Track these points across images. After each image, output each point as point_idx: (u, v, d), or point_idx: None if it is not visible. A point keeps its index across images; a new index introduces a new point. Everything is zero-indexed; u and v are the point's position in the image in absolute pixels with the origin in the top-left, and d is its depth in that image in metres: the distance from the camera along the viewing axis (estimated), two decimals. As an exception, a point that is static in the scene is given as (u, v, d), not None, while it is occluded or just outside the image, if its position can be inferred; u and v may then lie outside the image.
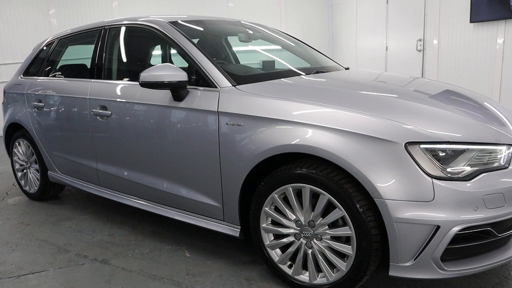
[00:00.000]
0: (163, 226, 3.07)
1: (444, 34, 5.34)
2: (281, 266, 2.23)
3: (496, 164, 1.90)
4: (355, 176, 1.88)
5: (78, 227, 3.15)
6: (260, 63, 3.10)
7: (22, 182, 3.84)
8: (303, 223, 2.10)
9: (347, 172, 1.94)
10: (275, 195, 2.14)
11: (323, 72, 2.83)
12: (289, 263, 2.23)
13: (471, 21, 4.92)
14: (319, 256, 2.09)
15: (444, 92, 2.49)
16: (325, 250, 2.06)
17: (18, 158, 3.83)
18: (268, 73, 2.63)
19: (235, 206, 2.32)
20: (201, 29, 2.90)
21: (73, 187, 3.40)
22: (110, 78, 2.97)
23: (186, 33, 2.63)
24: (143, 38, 3.03)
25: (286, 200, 2.15)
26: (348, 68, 3.18)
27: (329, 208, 2.02)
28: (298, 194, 2.10)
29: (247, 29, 3.21)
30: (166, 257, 2.62)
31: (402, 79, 2.79)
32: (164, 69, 2.35)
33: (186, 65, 2.56)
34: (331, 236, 2.04)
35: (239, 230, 2.36)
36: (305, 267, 2.18)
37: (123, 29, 2.97)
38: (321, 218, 2.05)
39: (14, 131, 3.81)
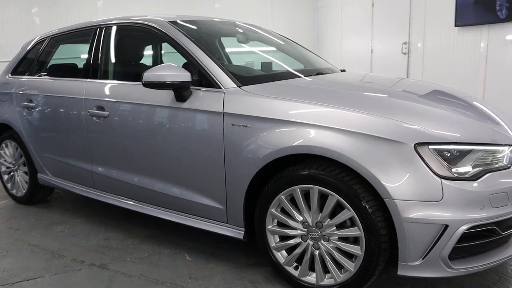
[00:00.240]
0: (159, 229, 3.02)
1: (429, 37, 5.46)
2: (287, 267, 2.23)
3: (499, 164, 1.95)
4: (365, 176, 1.89)
5: (71, 231, 3.07)
6: (246, 64, 3.09)
7: (9, 185, 3.71)
8: (311, 224, 2.10)
9: (355, 173, 1.95)
10: (282, 196, 2.14)
11: (323, 74, 2.85)
12: (295, 264, 2.23)
13: (455, 25, 5.05)
14: (327, 257, 2.09)
15: (436, 92, 2.54)
16: (333, 251, 2.07)
17: (5, 160, 3.69)
18: (272, 74, 2.62)
19: (240, 208, 2.30)
20: (200, 29, 2.87)
21: (64, 190, 3.31)
22: (108, 78, 2.90)
23: (187, 33, 2.60)
24: (142, 37, 2.98)
25: (292, 201, 2.15)
26: (344, 70, 3.21)
27: (336, 209, 2.03)
28: (305, 195, 2.11)
29: (244, 30, 3.20)
30: (166, 261, 2.58)
31: (394, 80, 2.84)
32: (167, 69, 2.31)
33: (182, 64, 2.53)
34: (338, 237, 2.05)
35: (243, 232, 2.34)
36: (311, 268, 2.18)
37: (120, 28, 2.92)
38: (328, 219, 2.06)
39: (1, 132, 3.68)
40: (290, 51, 3.25)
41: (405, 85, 2.75)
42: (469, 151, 1.89)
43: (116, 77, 2.91)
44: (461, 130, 1.96)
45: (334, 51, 7.08)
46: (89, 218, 3.31)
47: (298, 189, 2.08)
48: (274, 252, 2.25)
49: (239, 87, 2.31)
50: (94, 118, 2.82)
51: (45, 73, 3.41)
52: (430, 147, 1.86)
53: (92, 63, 2.95)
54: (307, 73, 2.76)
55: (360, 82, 2.77)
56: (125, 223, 3.16)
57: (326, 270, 2.13)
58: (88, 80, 2.93)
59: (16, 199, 3.69)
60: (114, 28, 2.94)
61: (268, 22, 6.91)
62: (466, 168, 1.87)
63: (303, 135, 2.02)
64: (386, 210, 1.91)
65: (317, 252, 2.12)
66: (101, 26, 2.99)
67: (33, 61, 3.50)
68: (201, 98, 2.36)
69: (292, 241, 2.18)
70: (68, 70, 3.31)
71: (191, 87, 2.39)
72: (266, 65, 3.08)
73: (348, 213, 1.97)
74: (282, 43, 3.32)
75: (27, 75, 3.49)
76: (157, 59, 3.34)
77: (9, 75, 3.65)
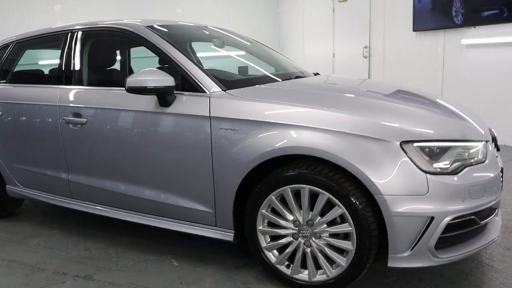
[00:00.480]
0: (141, 237, 2.97)
1: (388, 41, 5.71)
2: (279, 267, 2.27)
3: (475, 159, 2.09)
4: (355, 174, 1.97)
5: (48, 244, 2.95)
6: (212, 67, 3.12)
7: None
8: (302, 223, 2.16)
9: (343, 171, 2.03)
10: (273, 197, 2.18)
11: (301, 77, 2.92)
12: (286, 263, 2.27)
13: (413, 30, 5.32)
14: (319, 253, 2.15)
15: (401, 91, 2.67)
16: (325, 247, 2.13)
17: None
18: (254, 78, 2.67)
19: (229, 211, 2.32)
20: (177, 33, 2.86)
21: (37, 201, 3.19)
22: (83, 84, 2.83)
23: (165, 37, 2.59)
24: (118, 42, 2.93)
25: (282, 201, 2.20)
26: (318, 74, 3.30)
27: (325, 207, 2.10)
28: (295, 195, 2.16)
29: (220, 35, 3.23)
30: (153, 268, 2.55)
31: (375, 82, 2.97)
32: (151, 74, 2.30)
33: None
34: (329, 234, 2.12)
35: (232, 234, 2.36)
36: (303, 266, 2.23)
37: (95, 33, 2.86)
38: (319, 217, 2.12)
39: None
40: (265, 56, 3.31)
41: (377, 86, 2.88)
42: (449, 148, 2.02)
43: (92, 83, 2.85)
44: (439, 128, 2.09)
45: (296, 55, 7.23)
46: (65, 229, 3.19)
47: (289, 189, 2.13)
48: (266, 252, 2.28)
49: (224, 91, 2.34)
50: (70, 125, 2.74)
51: (11, 80, 3.27)
52: (415, 144, 1.97)
53: (65, 69, 2.86)
54: (287, 76, 2.82)
55: (338, 84, 2.87)
56: (104, 232, 3.08)
57: (317, 267, 2.20)
58: (61, 86, 2.84)
59: (-20, 214, 3.50)
60: (88, 33, 2.87)
61: (229, 27, 6.94)
62: (447, 164, 2.00)
63: (293, 136, 2.07)
64: (374, 205, 2.01)
65: (308, 250, 2.17)
66: (73, 30, 2.92)
67: (-3, 67, 3.35)
68: (186, 103, 2.36)
69: (283, 240, 2.22)
70: (36, 77, 3.20)
71: (175, 92, 2.39)
72: (243, 69, 3.12)
73: (339, 210, 2.04)
74: (256, 48, 3.37)
75: (-9, 83, 3.33)
76: (126, 64, 3.27)
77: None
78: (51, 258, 2.74)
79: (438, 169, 1.97)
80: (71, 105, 2.73)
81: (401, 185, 1.94)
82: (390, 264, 2.02)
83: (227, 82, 2.43)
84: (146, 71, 2.32)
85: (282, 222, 2.20)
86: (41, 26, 5.75)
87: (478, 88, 4.82)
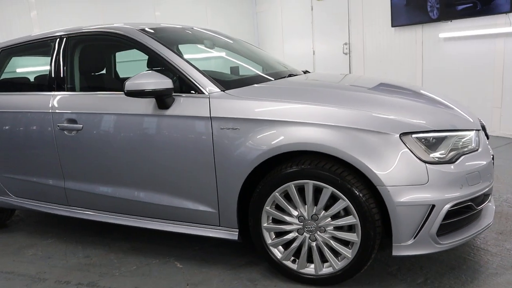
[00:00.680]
0: (141, 241, 2.96)
1: (368, 37, 5.83)
2: (285, 262, 2.30)
3: (469, 147, 2.18)
4: (359, 167, 2.03)
5: (45, 254, 2.90)
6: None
7: (-40, 213, 3.41)
8: (306, 218, 2.20)
9: (345, 165, 2.09)
10: (277, 194, 2.22)
11: (294, 75, 2.97)
12: (292, 258, 2.31)
13: (392, 26, 5.45)
14: (324, 247, 2.20)
15: (388, 85, 2.76)
16: (330, 240, 2.18)
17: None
18: (250, 77, 2.69)
19: (233, 210, 2.34)
20: (168, 36, 2.86)
21: (30, 211, 3.12)
22: (76, 90, 2.80)
23: (158, 40, 2.59)
24: (110, 46, 2.90)
25: (286, 197, 2.24)
26: (307, 71, 3.35)
27: (328, 200, 2.15)
28: (298, 190, 2.20)
29: (209, 36, 3.24)
30: (157, 271, 2.55)
31: (369, 79, 3.04)
32: (149, 77, 2.30)
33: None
34: (334, 227, 2.17)
35: (237, 233, 2.38)
36: (308, 260, 2.28)
37: (86, 37, 2.82)
38: (323, 211, 2.17)
39: None
40: (254, 56, 3.33)
41: (362, 81, 2.95)
42: (444, 137, 2.10)
43: (86, 88, 2.82)
44: (435, 119, 2.17)
45: (276, 54, 7.27)
46: (62, 237, 3.14)
47: (293, 185, 2.17)
48: (271, 248, 2.32)
49: (223, 91, 2.36)
50: (65, 132, 2.70)
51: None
52: (413, 135, 2.04)
53: (57, 75, 2.82)
54: (281, 75, 2.86)
55: (331, 81, 2.92)
56: (103, 239, 3.05)
57: (323, 260, 2.25)
58: (54, 93, 2.80)
59: (-30, 227, 3.41)
60: (79, 38, 2.84)
61: (208, 28, 6.95)
62: (444, 153, 2.08)
63: (297, 133, 2.11)
64: (377, 196, 2.07)
65: (314, 244, 2.22)
66: (63, 36, 2.87)
67: (-18, 76, 3.26)
68: (185, 104, 2.37)
69: (289, 236, 2.26)
70: (25, 84, 3.13)
71: (173, 94, 2.39)
72: (235, 69, 3.14)
73: (343, 203, 2.10)
74: (245, 48, 3.39)
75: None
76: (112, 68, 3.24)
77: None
78: (51, 267, 2.70)
79: (436, 159, 2.05)
80: (66, 111, 2.70)
81: (402, 175, 2.00)
82: (395, 252, 2.08)
83: (225, 82, 2.45)
84: (144, 74, 2.32)
85: (287, 218, 2.24)
86: (18, 33, 5.65)
87: (456, 80, 4.98)
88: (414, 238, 2.05)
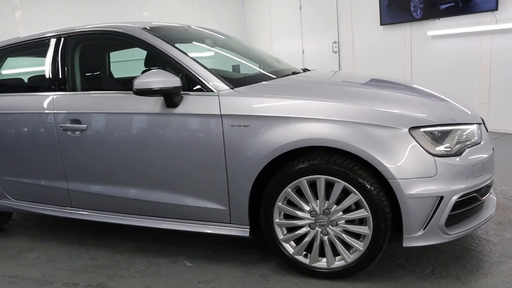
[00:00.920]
0: (145, 241, 2.94)
1: (357, 36, 5.92)
2: (297, 257, 2.33)
3: (473, 140, 2.25)
4: (370, 161, 2.07)
5: (48, 256, 2.85)
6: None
7: (-45, 218, 3.32)
8: (318, 212, 2.24)
9: (356, 160, 2.13)
10: (289, 189, 2.24)
11: (297, 73, 3.00)
12: (304, 253, 2.34)
13: (381, 24, 5.55)
14: (336, 240, 2.24)
15: (383, 80, 2.83)
16: (342, 234, 2.22)
17: None
18: (256, 75, 2.70)
19: (245, 207, 2.35)
20: (171, 34, 2.85)
21: (31, 214, 3.07)
22: (78, 90, 2.76)
23: (164, 39, 2.58)
24: (112, 45, 2.88)
25: (297, 193, 2.26)
26: (307, 69, 3.39)
27: (340, 195, 2.19)
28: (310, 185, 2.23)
29: (209, 35, 3.24)
30: (167, 270, 2.54)
31: (360, 75, 3.10)
32: (157, 75, 2.30)
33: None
34: (345, 220, 2.21)
35: (248, 230, 2.40)
36: (320, 254, 2.31)
37: (88, 36, 2.79)
38: (335, 205, 2.21)
39: None
40: (253, 54, 3.34)
41: (357, 77, 3.00)
42: (450, 131, 2.17)
43: (88, 87, 2.79)
44: (440, 113, 2.23)
45: (265, 53, 7.31)
46: (63, 240, 3.10)
47: (305, 181, 2.21)
48: (283, 244, 2.34)
49: (232, 88, 2.37)
50: (68, 132, 2.67)
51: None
52: (421, 129, 2.10)
53: (58, 75, 2.78)
54: (285, 72, 2.89)
55: (334, 77, 2.96)
56: (106, 240, 3.02)
57: (335, 254, 2.28)
58: (55, 93, 2.76)
59: (-34, 232, 3.32)
60: (80, 37, 2.80)
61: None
62: (450, 146, 2.14)
63: (309, 129, 2.14)
64: (387, 190, 2.12)
65: (326, 238, 2.25)
66: (62, 35, 2.83)
67: (-23, 78, 3.19)
68: (194, 102, 2.37)
69: (301, 231, 2.29)
70: (22, 85, 3.08)
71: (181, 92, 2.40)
72: (236, 67, 3.15)
73: (355, 197, 2.14)
74: (244, 46, 3.41)
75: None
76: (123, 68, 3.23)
77: None
78: (56, 270, 2.66)
79: (444, 152, 2.11)
80: (69, 111, 2.66)
81: (412, 168, 2.06)
82: (405, 244, 2.14)
83: (233, 80, 2.46)
84: (152, 73, 2.31)
85: (299, 213, 2.26)
86: (2, 34, 5.53)
87: (444, 76, 5.10)
88: (423, 229, 2.10)
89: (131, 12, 6.69)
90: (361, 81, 2.73)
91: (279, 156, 2.22)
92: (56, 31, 2.90)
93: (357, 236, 2.22)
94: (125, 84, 2.99)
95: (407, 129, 2.07)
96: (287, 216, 2.32)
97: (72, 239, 3.10)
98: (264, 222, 2.34)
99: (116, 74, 3.28)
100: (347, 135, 2.09)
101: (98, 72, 2.96)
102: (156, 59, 2.77)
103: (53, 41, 2.86)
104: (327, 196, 2.20)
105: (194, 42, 3.08)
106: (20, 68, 3.18)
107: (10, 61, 3.18)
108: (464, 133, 2.22)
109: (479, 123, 2.36)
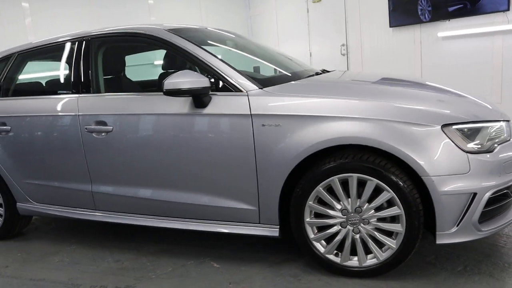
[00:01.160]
0: (169, 243, 2.93)
1: (366, 38, 5.94)
2: (328, 256, 2.33)
3: (502, 137, 2.25)
4: (404, 159, 2.07)
5: (72, 259, 2.83)
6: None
7: (-25, 222, 3.30)
8: (350, 211, 2.23)
9: (388, 157, 2.13)
10: (320, 188, 2.24)
11: (320, 73, 3.00)
12: (335, 252, 2.33)
13: (390, 26, 5.58)
14: (368, 238, 2.23)
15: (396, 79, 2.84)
16: (374, 232, 2.22)
17: (-32, 195, 3.29)
18: (282, 76, 2.70)
19: (275, 206, 2.35)
20: (196, 36, 2.85)
21: (54, 217, 3.05)
22: (103, 91, 2.76)
23: (191, 40, 2.59)
24: (137, 47, 2.88)
25: (328, 191, 2.26)
26: (325, 71, 3.39)
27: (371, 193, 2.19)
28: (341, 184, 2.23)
29: (229, 37, 3.25)
30: (195, 272, 2.52)
31: (371, 74, 3.11)
32: (187, 75, 2.30)
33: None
34: (377, 218, 2.20)
35: (278, 229, 2.39)
36: (351, 253, 2.30)
37: (113, 38, 2.80)
38: (367, 204, 2.20)
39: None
40: (273, 55, 3.34)
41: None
42: (480, 128, 2.17)
43: (114, 89, 2.78)
44: (470, 110, 2.24)
45: (271, 57, 7.32)
46: (85, 243, 3.08)
47: (337, 179, 2.20)
48: (314, 243, 2.33)
49: (261, 88, 2.37)
50: (93, 134, 2.66)
51: (15, 93, 3.13)
52: (453, 127, 2.10)
53: (82, 77, 2.77)
54: (308, 73, 2.89)
55: (359, 78, 2.96)
56: (129, 243, 3.00)
57: (366, 252, 2.27)
58: (79, 95, 2.76)
59: (-14, 236, 3.30)
60: (104, 39, 2.80)
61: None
62: (481, 143, 2.14)
63: (342, 127, 2.14)
64: (419, 187, 2.12)
65: (357, 236, 2.25)
66: (85, 38, 2.83)
67: (-2, 81, 3.18)
68: (223, 103, 2.37)
69: (332, 230, 2.28)
70: (45, 87, 3.07)
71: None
72: (256, 69, 3.16)
73: (387, 194, 2.14)
74: (262, 48, 3.41)
75: (-8, 97, 3.16)
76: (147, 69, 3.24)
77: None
78: (82, 273, 2.64)
79: (476, 148, 2.11)
80: (94, 113, 2.66)
81: (445, 165, 2.06)
82: (439, 241, 2.13)
83: (261, 80, 2.47)
84: (182, 73, 2.32)
85: (331, 212, 2.26)
86: (12, 40, 5.52)
87: (455, 77, 5.11)
88: (457, 226, 2.10)
89: (139, 17, 6.69)
90: (373, 79, 2.74)
91: (309, 156, 2.22)
92: (79, 33, 2.90)
93: (388, 234, 2.22)
94: (149, 86, 3.01)
95: (440, 126, 2.08)
96: (317, 215, 2.31)
97: (93, 242, 3.08)
98: (294, 221, 2.33)
99: (133, 77, 3.29)
100: (381, 133, 2.09)
101: (122, 74, 2.96)
102: (176, 60, 2.80)
103: (76, 44, 2.86)
104: (358, 195, 2.20)
105: (215, 43, 3.09)
106: (42, 71, 3.18)
107: (32, 64, 3.18)
108: (496, 130, 2.23)
109: (508, 120, 2.37)
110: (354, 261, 2.30)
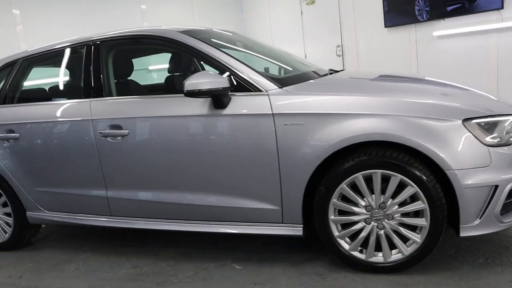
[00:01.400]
0: (185, 247, 2.90)
1: (361, 39, 6.02)
2: (353, 253, 2.33)
3: (516, 130, 2.30)
4: (427, 154, 2.10)
5: (88, 267, 2.78)
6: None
7: (-18, 233, 3.22)
8: (374, 207, 2.25)
9: (410, 153, 2.16)
10: (344, 185, 2.25)
11: (334, 72, 3.02)
12: (359, 248, 2.35)
13: (385, 26, 5.66)
14: (393, 234, 2.25)
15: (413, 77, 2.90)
16: (399, 227, 2.24)
17: (-26, 205, 3.21)
18: (299, 75, 2.71)
19: (298, 206, 2.35)
20: (206, 37, 2.84)
21: (66, 225, 3.00)
22: (116, 95, 2.72)
23: (207, 41, 2.58)
24: (148, 49, 2.86)
25: (352, 188, 2.27)
26: (334, 70, 3.41)
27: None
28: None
29: (239, 38, 3.25)
30: (218, 274, 2.50)
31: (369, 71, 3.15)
32: (206, 76, 2.30)
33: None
34: (401, 213, 2.23)
35: (301, 228, 2.39)
36: (375, 248, 2.32)
37: (125, 41, 2.77)
38: (391, 199, 2.22)
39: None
40: (282, 56, 3.35)
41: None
42: (498, 122, 2.21)
43: (127, 92, 2.75)
44: (487, 104, 2.29)
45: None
46: (98, 250, 3.03)
47: (361, 176, 2.22)
48: (339, 240, 2.34)
49: (281, 88, 2.38)
50: (108, 138, 2.63)
51: (22, 100, 3.07)
52: (474, 121, 2.14)
53: (93, 81, 2.73)
54: (323, 72, 2.91)
55: (373, 75, 2.98)
56: (144, 248, 2.96)
57: (390, 248, 2.29)
58: (92, 99, 2.72)
59: (-7, 247, 3.22)
60: (115, 42, 2.77)
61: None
62: (500, 136, 2.18)
63: (364, 124, 2.16)
64: (442, 181, 2.15)
65: (382, 232, 2.26)
66: (94, 41, 2.80)
67: (3, 87, 3.10)
68: (243, 103, 2.37)
69: (357, 226, 2.29)
70: (53, 93, 3.02)
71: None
72: (267, 68, 3.16)
73: (411, 189, 2.16)
74: (269, 48, 3.42)
75: (-5, 104, 3.09)
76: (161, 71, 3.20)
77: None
78: (101, 280, 2.60)
79: (496, 142, 2.15)
80: (109, 117, 2.62)
81: (468, 159, 2.09)
82: (462, 233, 2.16)
83: (279, 79, 2.47)
84: (201, 74, 2.31)
85: (355, 209, 2.27)
86: (3, 48, 5.42)
87: (451, 76, 5.21)
88: (480, 218, 2.13)
89: (132, 22, 6.65)
90: (371, 77, 2.77)
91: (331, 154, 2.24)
92: (87, 37, 2.86)
93: (412, 228, 2.24)
94: (162, 89, 2.98)
95: (461, 121, 2.12)
96: (341, 213, 2.32)
97: (107, 249, 3.03)
98: (318, 219, 2.34)
99: (144, 81, 3.26)
100: (404, 129, 2.12)
101: (141, 77, 2.93)
102: (181, 63, 2.78)
103: (84, 48, 2.82)
104: (382, 190, 2.22)
105: (227, 44, 3.08)
106: (48, 77, 3.12)
107: (37, 70, 3.13)
108: (508, 124, 2.27)
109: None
110: (379, 257, 2.31)
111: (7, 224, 3.12)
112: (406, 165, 2.14)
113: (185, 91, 2.28)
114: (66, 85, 3.08)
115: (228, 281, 2.41)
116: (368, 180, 2.23)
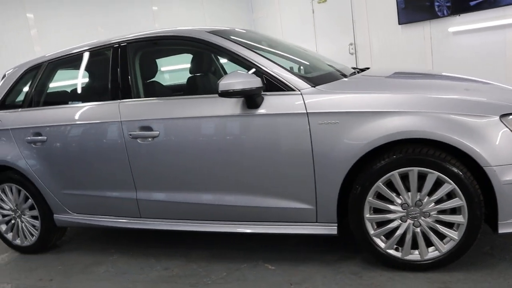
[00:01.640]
0: (216, 248, 2.89)
1: (374, 36, 6.00)
2: (389, 251, 2.32)
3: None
4: (467, 151, 2.08)
5: (118, 269, 2.78)
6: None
7: (9, 236, 3.21)
8: (410, 204, 2.23)
9: (447, 150, 2.15)
10: (380, 183, 2.24)
11: (361, 71, 3.01)
12: (395, 247, 2.33)
13: (399, 23, 5.64)
14: (430, 231, 2.24)
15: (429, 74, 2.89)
16: (436, 224, 2.22)
17: (1, 208, 3.20)
18: (329, 74, 2.69)
19: (333, 204, 2.33)
20: (237, 37, 2.82)
21: (93, 228, 2.99)
22: (145, 96, 2.72)
23: (236, 42, 2.57)
24: (177, 50, 2.85)
25: (388, 186, 2.26)
26: (361, 69, 3.39)
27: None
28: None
29: (262, 38, 3.24)
30: (251, 275, 2.49)
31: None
32: (240, 76, 2.29)
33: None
34: (437, 211, 2.21)
35: (336, 227, 2.38)
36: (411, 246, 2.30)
37: (154, 42, 2.77)
38: (427, 197, 2.21)
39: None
40: (307, 55, 3.33)
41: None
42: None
43: (157, 93, 2.74)
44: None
45: (277, 59, 7.34)
46: (126, 252, 3.02)
47: (397, 173, 2.21)
48: (374, 238, 2.33)
49: (314, 87, 2.37)
50: (138, 140, 2.62)
51: (49, 102, 3.07)
52: (510, 116, 2.12)
53: (121, 83, 2.73)
54: (351, 71, 2.90)
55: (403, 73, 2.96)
56: (173, 249, 2.95)
57: (427, 245, 2.28)
58: (120, 101, 2.71)
59: (21, 249, 3.22)
60: (143, 43, 2.77)
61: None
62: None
63: (401, 122, 2.14)
64: (478, 178, 2.14)
65: (418, 229, 2.25)
66: (121, 43, 2.79)
67: (29, 91, 3.11)
68: (276, 102, 2.36)
69: (393, 224, 2.28)
70: (79, 95, 3.02)
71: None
72: (291, 68, 3.15)
73: (449, 186, 2.14)
74: (294, 48, 3.40)
75: (24, 107, 3.09)
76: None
77: (-3, 110, 3.19)
78: (133, 282, 2.59)
79: (531, 136, 2.14)
80: (138, 118, 2.61)
81: (506, 155, 2.07)
82: (501, 230, 2.14)
83: (311, 78, 2.46)
84: (234, 74, 2.30)
85: (391, 207, 2.26)
86: (18, 52, 5.43)
87: (468, 71, 5.18)
88: (518, 214, 2.12)
89: (143, 23, 6.64)
90: (400, 74, 2.77)
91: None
92: (113, 39, 2.85)
93: (448, 225, 2.23)
94: (191, 89, 2.97)
95: (498, 117, 2.10)
96: (376, 211, 2.31)
97: (135, 251, 3.03)
98: (354, 218, 2.32)
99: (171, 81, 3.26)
100: (441, 126, 2.10)
101: (172, 77, 2.93)
102: (203, 63, 2.77)
103: (111, 50, 2.82)
104: (418, 188, 2.21)
105: (253, 43, 3.07)
106: (74, 79, 3.11)
107: (62, 72, 3.13)
108: None
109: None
110: (415, 255, 2.30)
111: (34, 227, 3.12)
112: (443, 162, 2.12)
113: (219, 91, 2.27)
114: (92, 87, 3.08)
115: (262, 282, 2.40)
116: (403, 178, 2.23)
